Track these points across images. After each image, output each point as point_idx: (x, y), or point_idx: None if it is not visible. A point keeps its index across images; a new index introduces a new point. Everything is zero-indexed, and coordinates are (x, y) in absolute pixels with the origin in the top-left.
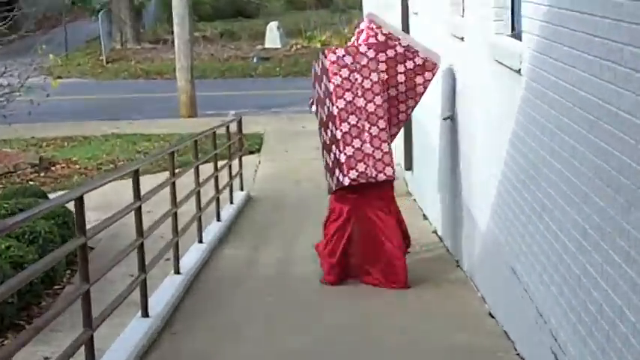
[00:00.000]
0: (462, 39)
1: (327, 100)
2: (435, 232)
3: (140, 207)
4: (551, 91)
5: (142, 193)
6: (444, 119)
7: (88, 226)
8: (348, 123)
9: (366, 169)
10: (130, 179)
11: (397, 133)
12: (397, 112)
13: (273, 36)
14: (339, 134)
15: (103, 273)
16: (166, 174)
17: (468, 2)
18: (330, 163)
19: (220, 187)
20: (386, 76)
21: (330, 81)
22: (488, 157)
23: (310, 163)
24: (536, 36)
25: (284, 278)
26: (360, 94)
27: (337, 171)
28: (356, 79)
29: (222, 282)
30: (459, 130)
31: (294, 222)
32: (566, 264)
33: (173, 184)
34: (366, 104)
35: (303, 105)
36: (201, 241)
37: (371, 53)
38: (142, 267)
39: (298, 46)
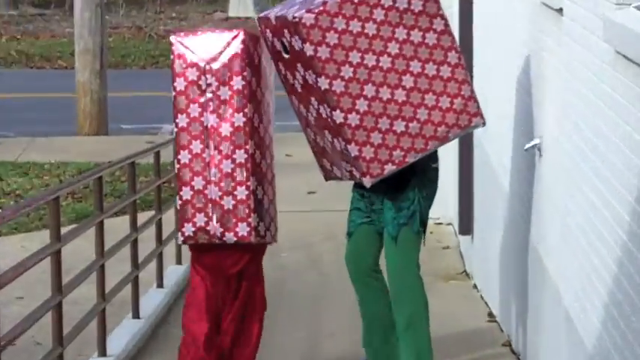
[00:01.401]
0: (560, 11)
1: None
2: (513, 350)
3: None
4: None
5: (5, 266)
6: (527, 150)
7: None
8: (190, 151)
9: (207, 223)
10: None
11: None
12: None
13: None
14: (175, 166)
15: None
16: (48, 234)
17: None
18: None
19: (141, 258)
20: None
21: (172, 84)
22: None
23: (302, 218)
24: None
25: None
26: (212, 107)
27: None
28: (209, 85)
29: None
30: (552, 167)
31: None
32: None
33: (57, 254)
34: (218, 124)
35: (290, 114)
36: (104, 354)
37: (237, 46)
38: None
39: None
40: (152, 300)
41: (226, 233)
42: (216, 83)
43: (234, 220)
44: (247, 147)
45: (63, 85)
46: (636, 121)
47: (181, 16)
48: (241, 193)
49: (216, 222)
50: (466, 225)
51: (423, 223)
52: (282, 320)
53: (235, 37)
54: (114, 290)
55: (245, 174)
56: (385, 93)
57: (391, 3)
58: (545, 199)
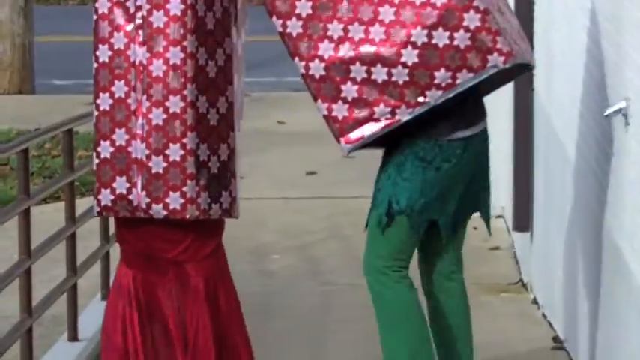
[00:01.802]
0: None
1: None
2: None
3: None
4: None
5: None
6: (608, 116)
7: None
8: (111, 94)
9: (129, 190)
10: None
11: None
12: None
13: None
14: (94, 113)
15: None
16: None
17: None
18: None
19: (80, 260)
20: None
21: (94, 5)
22: None
23: (298, 208)
24: None
25: None
26: (141, 37)
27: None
28: (138, 9)
29: None
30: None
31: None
32: None
33: None
34: (149, 60)
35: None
36: None
37: None
38: None
39: None
40: (95, 316)
41: (153, 205)
42: (148, 6)
43: (164, 189)
44: (185, 92)
45: None
46: None
47: None
48: (175, 152)
49: (142, 189)
50: (523, 219)
51: (390, 214)
52: (270, 347)
53: None
54: (44, 302)
55: (181, 128)
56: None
57: None
58: (633, 182)
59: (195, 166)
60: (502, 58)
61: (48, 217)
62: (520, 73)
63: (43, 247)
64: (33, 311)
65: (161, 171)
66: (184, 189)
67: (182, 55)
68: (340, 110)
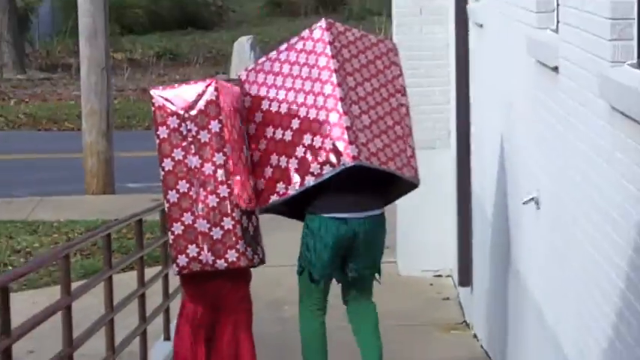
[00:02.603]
0: (556, 69)
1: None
2: None
3: (10, 347)
4: None
5: (17, 323)
6: (525, 203)
7: None
8: (177, 191)
9: (199, 253)
10: None
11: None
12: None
13: (244, 57)
14: (165, 205)
15: None
16: (58, 289)
17: (567, 10)
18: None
19: (149, 311)
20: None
21: (156, 133)
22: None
23: None
24: None
25: None
26: (193, 150)
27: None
28: (189, 131)
29: None
30: (551, 221)
31: None
32: None
33: (68, 309)
34: (201, 164)
35: None
36: None
37: (211, 93)
38: None
39: None
40: (160, 352)
41: (217, 260)
42: (196, 128)
43: (223, 249)
44: (229, 182)
45: (70, 146)
46: (633, 176)
47: (185, 78)
48: (228, 223)
49: (207, 251)
50: (465, 276)
51: (300, 265)
52: None
53: (208, 85)
54: (123, 343)
55: (230, 206)
56: (278, 133)
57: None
58: (543, 251)
59: (241, 231)
60: (349, 159)
61: (125, 282)
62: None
63: (122, 303)
64: (115, 349)
65: (220, 237)
66: (237, 247)
67: (224, 158)
68: (260, 184)
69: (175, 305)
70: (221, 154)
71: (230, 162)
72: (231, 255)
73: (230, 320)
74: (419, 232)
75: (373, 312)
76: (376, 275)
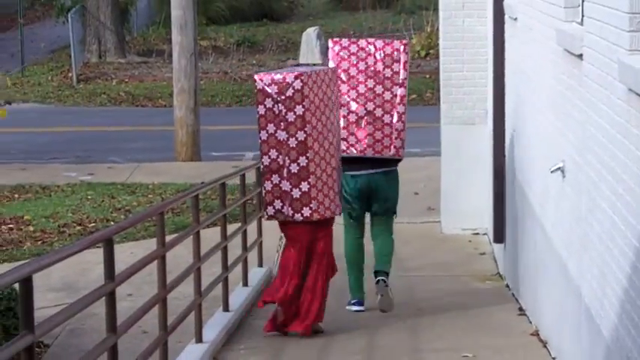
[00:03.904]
0: (580, 57)
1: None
2: (540, 339)
3: (114, 291)
4: None
5: (119, 270)
6: (552, 171)
7: (41, 315)
8: (269, 156)
9: (282, 207)
10: (103, 249)
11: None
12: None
13: (310, 46)
14: (260, 166)
15: None
16: (154, 242)
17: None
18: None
19: (230, 261)
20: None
21: (257, 110)
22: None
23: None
24: None
25: None
26: (282, 126)
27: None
28: (280, 111)
29: None
30: (574, 187)
31: (339, 325)
32: None
33: (162, 258)
34: (287, 138)
35: None
36: (200, 341)
37: (297, 84)
38: None
39: None
40: (239, 296)
41: (295, 214)
42: (285, 109)
43: (300, 206)
44: (308, 154)
45: (163, 120)
46: None
47: (260, 63)
48: (304, 186)
49: (288, 206)
50: (499, 234)
51: (343, 208)
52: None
53: (297, 77)
54: (208, 288)
55: (306, 173)
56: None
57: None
58: (567, 213)
59: (316, 191)
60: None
61: (210, 237)
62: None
63: (208, 254)
64: (202, 293)
65: (298, 196)
66: (311, 205)
67: (304, 135)
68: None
69: (252, 256)
70: (302, 132)
71: (309, 139)
72: (306, 211)
73: (315, 265)
74: (460, 196)
75: (391, 240)
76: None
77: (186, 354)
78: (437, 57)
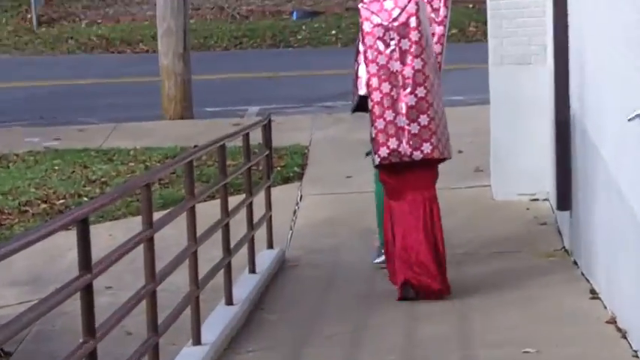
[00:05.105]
0: None
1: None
2: (618, 327)
3: (91, 284)
4: None
5: (96, 257)
6: (630, 120)
7: (1, 316)
8: (380, 91)
9: (398, 145)
10: (76, 231)
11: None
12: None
13: None
14: (369, 104)
15: None
16: (138, 221)
17: None
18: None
19: (233, 243)
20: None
21: (362, 41)
22: None
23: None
24: None
25: None
26: (396, 56)
27: (372, 147)
28: (392, 39)
29: None
30: None
31: (360, 318)
32: None
33: (150, 241)
34: (402, 68)
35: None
36: (199, 342)
37: (412, 7)
38: None
39: None
40: (245, 286)
41: (414, 152)
42: (398, 37)
43: (419, 141)
44: (426, 84)
45: (145, 70)
46: None
47: None
48: (424, 120)
49: (406, 144)
50: (564, 200)
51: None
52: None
53: (410, 0)
54: (207, 277)
55: (426, 105)
56: None
57: None
58: None
59: (435, 126)
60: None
61: (207, 212)
62: None
63: (206, 234)
64: (199, 284)
65: (417, 131)
66: (432, 140)
67: (422, 63)
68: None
69: (260, 235)
70: (419, 59)
71: (427, 67)
72: (426, 147)
73: (424, 197)
74: (514, 153)
75: None
76: None
77: (181, 359)
78: None
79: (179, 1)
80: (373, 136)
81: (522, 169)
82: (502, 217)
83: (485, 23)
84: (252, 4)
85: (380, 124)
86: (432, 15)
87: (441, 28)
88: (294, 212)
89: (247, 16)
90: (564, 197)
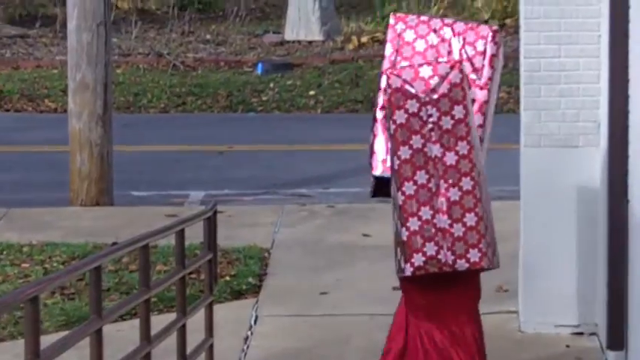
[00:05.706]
0: None
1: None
2: None
3: None
4: None
5: None
6: None
7: None
8: (415, 182)
9: (437, 252)
10: None
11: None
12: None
13: (304, 13)
14: (400, 198)
15: None
16: (22, 345)
17: None
18: (394, 239)
19: None
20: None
21: (392, 118)
22: None
23: (384, 322)
24: None
25: None
26: (434, 137)
27: (399, 252)
28: (430, 116)
29: None
30: None
31: None
32: None
33: None
34: (443, 153)
35: (363, 180)
36: None
37: (455, 76)
38: None
39: (363, 40)
40: None
41: (458, 260)
42: (438, 113)
43: (465, 247)
44: (473, 174)
45: (51, 136)
46: None
47: (218, 39)
48: (470, 219)
49: (447, 250)
50: (618, 336)
51: None
52: None
53: (453, 66)
54: None
55: (473, 201)
56: None
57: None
58: None
59: (484, 228)
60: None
61: (124, 335)
62: None
63: None
64: None
65: (461, 234)
66: (480, 245)
67: (468, 147)
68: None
69: None
70: (465, 142)
71: (473, 151)
72: (474, 255)
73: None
74: (551, 272)
75: None
76: None
77: None
78: (516, 32)
79: (99, 44)
80: (404, 239)
81: (561, 291)
82: (534, 357)
83: (518, 88)
84: (203, 50)
85: (413, 224)
86: (473, 76)
87: (484, 93)
88: (246, 340)
89: (195, 67)
90: (618, 331)
